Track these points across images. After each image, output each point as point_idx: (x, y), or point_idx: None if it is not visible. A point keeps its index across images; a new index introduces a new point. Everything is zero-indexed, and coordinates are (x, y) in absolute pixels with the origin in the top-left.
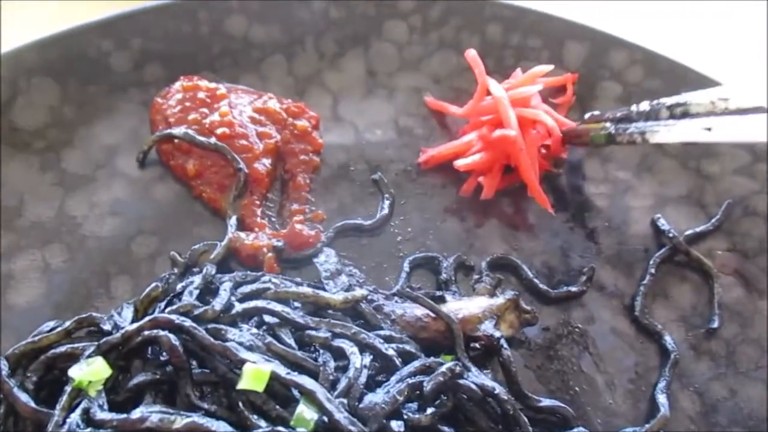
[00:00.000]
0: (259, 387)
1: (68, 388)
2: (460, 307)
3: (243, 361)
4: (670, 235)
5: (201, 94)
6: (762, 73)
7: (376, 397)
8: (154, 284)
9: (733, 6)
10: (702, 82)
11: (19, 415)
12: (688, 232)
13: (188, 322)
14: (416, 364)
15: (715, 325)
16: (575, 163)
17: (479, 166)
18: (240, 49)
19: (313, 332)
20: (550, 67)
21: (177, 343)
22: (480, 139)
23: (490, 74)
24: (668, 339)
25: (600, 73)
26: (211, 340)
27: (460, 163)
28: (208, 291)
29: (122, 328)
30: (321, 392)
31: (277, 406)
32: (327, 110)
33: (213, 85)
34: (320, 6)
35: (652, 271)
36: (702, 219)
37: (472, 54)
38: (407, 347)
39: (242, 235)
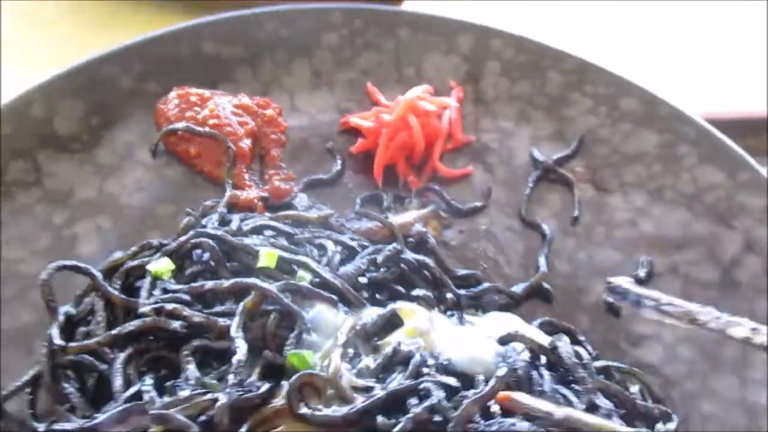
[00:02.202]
0: (272, 264)
1: (147, 278)
2: (397, 218)
3: (258, 251)
4: (542, 160)
5: (192, 98)
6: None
7: (347, 267)
8: (187, 218)
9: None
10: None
11: (114, 305)
12: (554, 157)
13: (220, 232)
14: (371, 248)
15: (576, 214)
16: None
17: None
18: (215, 64)
19: (300, 236)
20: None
21: (214, 244)
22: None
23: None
24: (545, 227)
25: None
26: (236, 241)
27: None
28: (223, 224)
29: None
30: (312, 263)
31: (284, 275)
32: (287, 103)
33: (200, 91)
34: (271, 27)
35: (531, 185)
36: (565, 149)
37: (369, 86)
38: (365, 243)
39: (237, 192)
